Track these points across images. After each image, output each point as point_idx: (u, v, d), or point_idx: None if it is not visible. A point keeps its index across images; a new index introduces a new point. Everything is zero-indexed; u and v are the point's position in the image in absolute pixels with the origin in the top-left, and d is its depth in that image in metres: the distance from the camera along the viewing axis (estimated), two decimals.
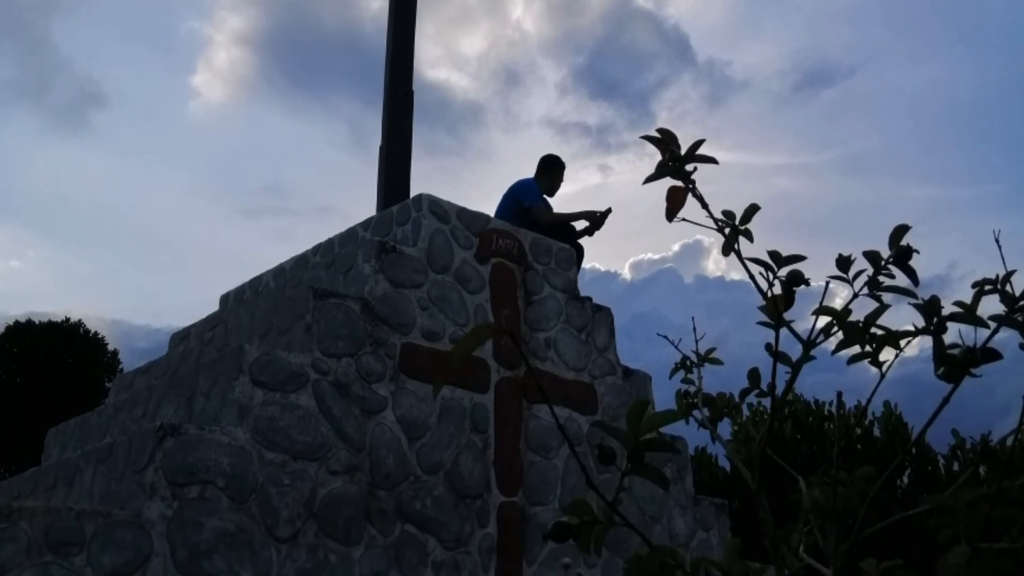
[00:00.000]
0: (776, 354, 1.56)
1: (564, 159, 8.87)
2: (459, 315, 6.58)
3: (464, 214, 6.96)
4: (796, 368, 1.52)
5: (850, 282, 1.50)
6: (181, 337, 7.81)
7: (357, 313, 5.99)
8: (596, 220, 8.68)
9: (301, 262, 7.65)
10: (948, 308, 1.39)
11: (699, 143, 1.53)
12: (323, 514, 5.41)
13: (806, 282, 1.48)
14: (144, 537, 4.66)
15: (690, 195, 1.53)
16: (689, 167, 1.53)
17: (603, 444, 1.31)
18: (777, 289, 1.50)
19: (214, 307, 8.41)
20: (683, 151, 1.53)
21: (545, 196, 8.65)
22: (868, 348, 1.47)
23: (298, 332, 5.85)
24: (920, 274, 1.47)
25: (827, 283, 1.54)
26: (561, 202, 18.97)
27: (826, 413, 17.85)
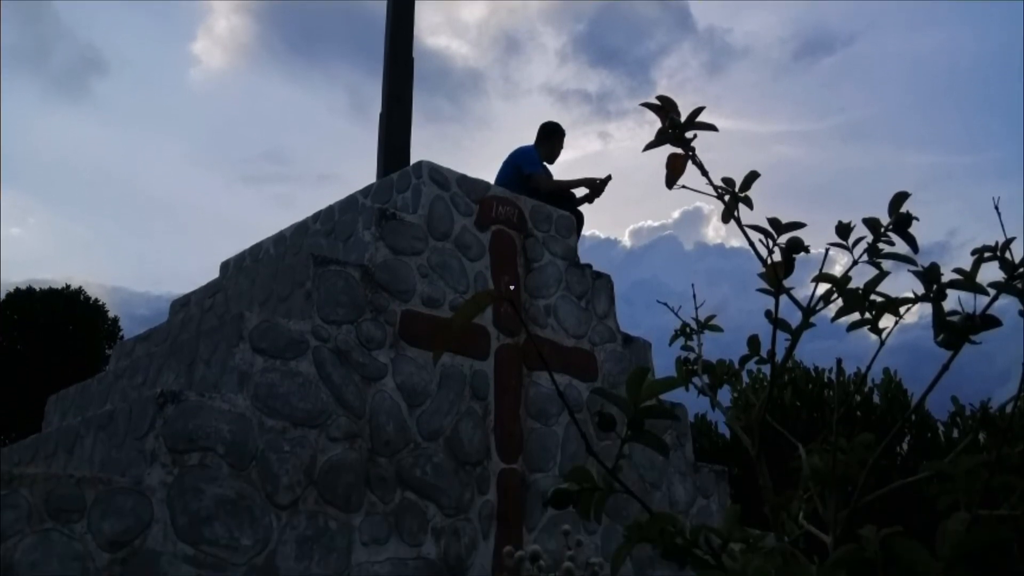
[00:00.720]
0: (776, 321, 1.56)
1: (564, 126, 8.86)
2: (459, 282, 6.57)
3: (464, 181, 6.94)
4: (796, 335, 1.52)
5: (850, 249, 1.50)
6: (181, 304, 7.81)
7: (357, 280, 5.98)
8: (596, 187, 8.67)
9: (301, 229, 7.63)
10: (948, 275, 1.39)
11: (699, 110, 1.53)
12: (323, 481, 5.43)
13: (806, 249, 1.48)
14: (144, 504, 4.68)
15: (690, 162, 1.53)
16: (689, 134, 1.52)
17: (603, 411, 1.31)
18: (777, 256, 1.49)
19: (214, 274, 8.41)
20: (683, 118, 1.52)
21: (545, 163, 8.63)
22: (868, 315, 1.47)
23: (298, 299, 5.85)
24: (920, 241, 1.47)
25: (827, 250, 1.54)
26: (561, 169, 18.93)
27: (826, 380, 17.86)
